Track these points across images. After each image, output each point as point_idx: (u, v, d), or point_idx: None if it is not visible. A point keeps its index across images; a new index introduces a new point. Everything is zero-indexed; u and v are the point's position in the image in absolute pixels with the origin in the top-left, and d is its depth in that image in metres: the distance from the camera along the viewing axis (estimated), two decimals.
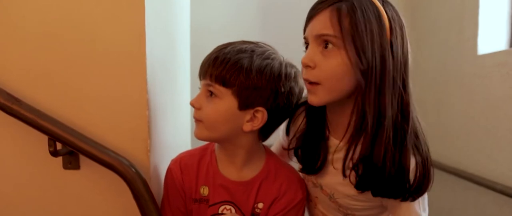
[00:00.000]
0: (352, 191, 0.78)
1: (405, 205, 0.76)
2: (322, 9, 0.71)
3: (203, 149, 0.92)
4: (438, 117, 1.90)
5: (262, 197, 0.88)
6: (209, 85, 0.80)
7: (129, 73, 0.84)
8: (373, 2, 0.69)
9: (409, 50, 0.72)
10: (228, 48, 0.81)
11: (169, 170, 0.90)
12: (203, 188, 0.88)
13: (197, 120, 0.82)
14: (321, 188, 0.86)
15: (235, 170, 0.88)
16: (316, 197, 0.89)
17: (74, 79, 0.84)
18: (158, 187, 0.94)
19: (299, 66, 0.81)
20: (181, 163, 0.89)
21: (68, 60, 0.83)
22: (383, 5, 0.70)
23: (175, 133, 1.16)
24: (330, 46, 0.69)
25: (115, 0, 0.82)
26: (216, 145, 0.90)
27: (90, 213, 0.87)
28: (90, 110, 0.84)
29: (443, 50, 1.91)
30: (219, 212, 0.87)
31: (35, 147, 0.84)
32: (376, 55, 0.67)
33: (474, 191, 1.68)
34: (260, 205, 0.88)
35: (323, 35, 0.70)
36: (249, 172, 0.88)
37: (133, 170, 0.81)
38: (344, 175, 0.76)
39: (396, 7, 0.76)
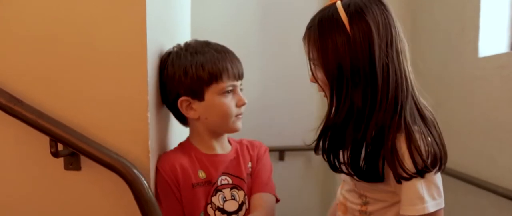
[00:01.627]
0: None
1: (406, 185, 0.77)
2: (304, 36, 0.86)
3: (180, 146, 1.02)
4: (439, 119, 1.89)
5: (247, 158, 1.04)
6: (241, 83, 0.99)
7: (130, 74, 0.84)
8: (335, 13, 0.79)
9: (378, 43, 0.77)
10: (223, 47, 1.00)
11: (159, 174, 0.94)
12: (201, 172, 0.96)
13: (241, 115, 0.99)
14: None
15: (221, 146, 1.02)
16: (343, 180, 0.96)
17: (76, 81, 0.84)
18: None
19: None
20: (168, 160, 0.95)
21: (70, 61, 0.84)
22: (347, 9, 0.79)
23: (176, 134, 1.16)
24: (314, 65, 0.84)
25: (117, 2, 0.83)
26: (194, 137, 1.01)
27: (91, 214, 0.88)
28: (92, 112, 0.85)
29: (444, 52, 1.91)
30: (219, 183, 0.98)
31: (36, 148, 0.84)
32: (333, 66, 0.79)
33: (474, 193, 1.68)
34: (249, 164, 1.04)
35: (308, 59, 0.85)
36: (227, 144, 1.05)
37: (134, 171, 0.81)
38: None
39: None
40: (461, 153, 1.77)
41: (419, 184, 0.77)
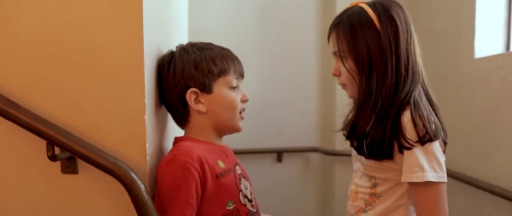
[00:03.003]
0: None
1: (407, 154, 0.85)
2: (330, 32, 0.97)
3: (187, 140, 0.97)
4: None
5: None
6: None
7: (127, 77, 0.84)
8: (362, 11, 0.91)
9: (402, 35, 0.89)
10: (227, 48, 1.02)
11: (182, 165, 0.88)
12: (220, 162, 0.97)
13: (244, 111, 1.02)
14: (357, 155, 0.99)
15: (219, 140, 1.03)
16: (355, 170, 1.04)
17: (73, 84, 0.84)
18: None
19: None
20: (191, 151, 0.91)
21: (66, 64, 0.83)
22: (373, 8, 0.91)
23: (173, 137, 1.15)
24: (342, 57, 0.94)
25: (113, 4, 0.82)
26: (196, 133, 1.00)
27: None
28: (88, 115, 0.84)
29: (441, 53, 1.91)
30: (237, 172, 1.02)
31: (33, 152, 0.84)
32: (364, 57, 0.89)
33: (472, 194, 1.68)
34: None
35: (334, 52, 0.96)
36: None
37: (132, 174, 0.81)
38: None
39: None
40: (459, 153, 1.77)
41: (419, 154, 0.84)
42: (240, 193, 0.99)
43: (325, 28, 2.26)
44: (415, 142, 0.84)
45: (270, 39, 2.27)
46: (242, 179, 1.03)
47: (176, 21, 1.30)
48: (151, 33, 0.89)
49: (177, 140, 1.00)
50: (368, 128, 0.89)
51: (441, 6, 1.91)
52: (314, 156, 2.38)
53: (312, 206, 2.43)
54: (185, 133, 1.02)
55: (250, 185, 1.06)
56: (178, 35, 1.33)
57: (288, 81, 2.30)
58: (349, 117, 1.02)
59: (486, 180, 1.59)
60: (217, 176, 0.93)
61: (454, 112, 1.79)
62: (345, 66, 0.92)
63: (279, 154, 2.34)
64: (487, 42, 1.66)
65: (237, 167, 1.04)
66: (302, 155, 2.38)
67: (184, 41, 1.47)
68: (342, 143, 2.23)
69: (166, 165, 0.90)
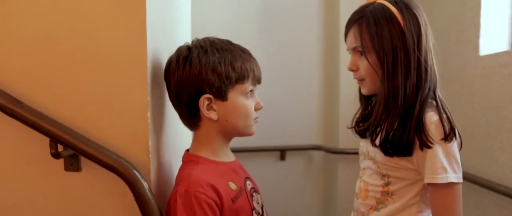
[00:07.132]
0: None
1: (429, 154, 0.86)
2: (350, 27, 0.95)
3: (193, 163, 0.92)
4: None
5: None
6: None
7: (130, 75, 0.84)
8: (385, 8, 0.90)
9: (424, 32, 0.91)
10: (246, 48, 0.97)
11: (196, 198, 0.83)
12: (231, 184, 0.93)
13: (257, 118, 0.98)
14: (368, 153, 1.00)
15: (228, 153, 1.00)
16: (363, 168, 1.03)
17: (76, 81, 0.84)
18: (159, 189, 0.94)
19: None
20: (202, 180, 0.86)
21: (70, 62, 0.83)
22: (395, 5, 0.91)
23: (177, 135, 1.15)
24: (362, 52, 0.93)
25: (117, 2, 0.82)
26: (202, 146, 0.95)
27: (92, 215, 0.87)
28: (92, 112, 0.84)
29: (445, 51, 1.90)
30: (248, 188, 0.98)
31: (36, 149, 0.84)
32: (388, 52, 0.89)
33: (475, 192, 1.68)
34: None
35: (355, 47, 0.94)
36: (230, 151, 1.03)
37: (134, 171, 0.81)
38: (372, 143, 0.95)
39: None
40: (463, 152, 1.76)
41: (441, 155, 0.86)
42: (253, 211, 0.96)
43: (327, 25, 2.29)
44: (440, 140, 0.86)
45: (273, 37, 2.27)
46: (254, 194, 1.00)
47: (179, 20, 1.30)
48: (154, 30, 0.89)
49: (186, 159, 0.95)
50: (394, 125, 0.89)
51: (445, 2, 1.90)
52: (317, 154, 2.38)
53: (315, 204, 2.43)
54: (193, 143, 0.98)
55: (260, 195, 1.03)
56: (181, 34, 1.32)
57: (291, 79, 2.29)
58: (358, 114, 1.03)
59: (490, 179, 1.58)
60: (232, 200, 0.90)
61: (458, 110, 1.78)
62: (368, 60, 0.91)
63: (282, 152, 2.34)
64: (492, 40, 1.65)
65: (248, 182, 1.00)
66: (305, 153, 2.38)
67: (187, 39, 1.47)
68: (345, 141, 2.25)
69: (180, 198, 0.84)
